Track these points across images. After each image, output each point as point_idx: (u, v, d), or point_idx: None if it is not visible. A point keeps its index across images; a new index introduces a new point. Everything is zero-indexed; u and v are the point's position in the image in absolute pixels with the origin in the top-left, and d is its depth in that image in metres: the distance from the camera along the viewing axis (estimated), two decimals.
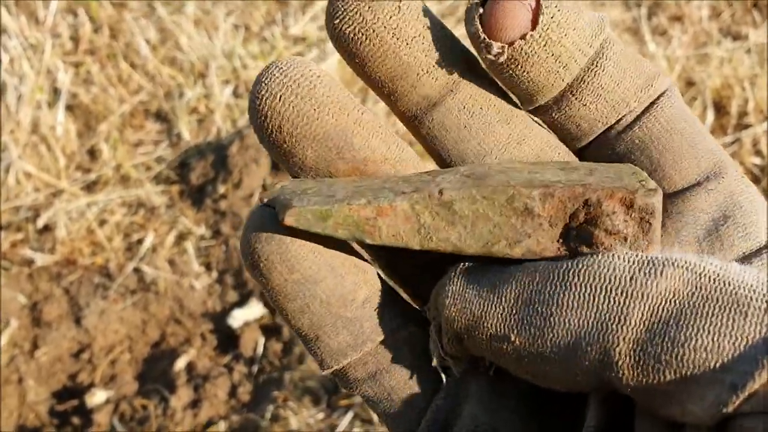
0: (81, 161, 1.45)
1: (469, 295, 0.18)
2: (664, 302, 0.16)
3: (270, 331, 1.23)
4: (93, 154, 1.47)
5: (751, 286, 0.16)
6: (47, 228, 1.35)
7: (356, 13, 0.19)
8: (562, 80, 0.20)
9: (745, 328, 0.15)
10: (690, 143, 0.20)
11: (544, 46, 0.19)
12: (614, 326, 0.16)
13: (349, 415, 1.07)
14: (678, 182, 0.21)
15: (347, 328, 0.19)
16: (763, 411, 0.15)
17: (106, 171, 1.43)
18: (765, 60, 1.55)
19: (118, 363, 1.23)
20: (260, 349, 1.20)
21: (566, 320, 0.16)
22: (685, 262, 0.16)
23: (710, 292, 0.16)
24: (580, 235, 0.18)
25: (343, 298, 0.19)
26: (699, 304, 0.16)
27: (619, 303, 0.16)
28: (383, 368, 0.20)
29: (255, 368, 1.18)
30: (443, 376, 0.20)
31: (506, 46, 0.19)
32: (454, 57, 0.20)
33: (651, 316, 0.16)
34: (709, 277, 0.16)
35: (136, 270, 1.28)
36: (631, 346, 0.16)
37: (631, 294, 0.16)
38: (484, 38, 0.19)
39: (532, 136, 0.20)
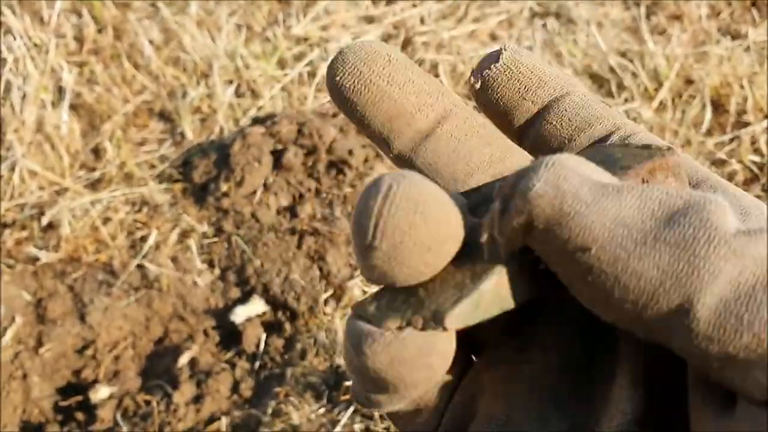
0: (85, 160, 1.47)
1: (566, 188, 0.17)
2: (760, 266, 0.16)
3: (272, 327, 1.24)
4: (97, 152, 1.48)
5: None
6: (51, 226, 1.36)
7: (354, 68, 0.23)
8: (532, 103, 0.25)
9: None
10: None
11: (505, 72, 0.24)
12: (706, 275, 0.15)
13: (350, 410, 1.08)
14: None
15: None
16: None
17: (109, 169, 1.44)
18: (764, 58, 1.55)
19: (121, 359, 1.24)
20: (262, 346, 1.21)
21: (660, 255, 0.16)
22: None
23: None
24: None
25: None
26: None
27: (718, 255, 0.16)
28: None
29: (257, 364, 1.19)
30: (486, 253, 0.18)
31: (478, 75, 0.25)
32: (440, 95, 0.24)
33: (744, 275, 0.15)
34: None
35: (140, 267, 1.29)
36: (716, 300, 0.15)
37: (733, 249, 0.16)
38: (469, 81, 0.25)
39: (511, 154, 0.24)
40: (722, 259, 0.16)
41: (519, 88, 0.24)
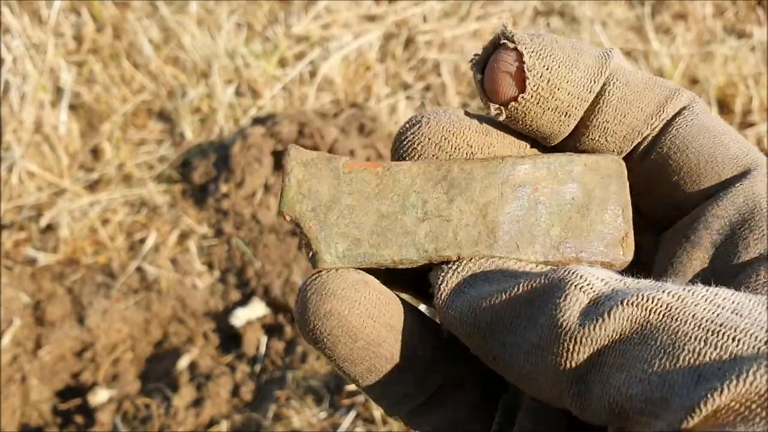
0: (84, 160, 1.46)
1: (457, 305, 0.20)
2: (609, 342, 0.17)
3: (272, 330, 1.23)
4: (96, 153, 1.47)
5: (700, 319, 0.16)
6: (50, 227, 1.35)
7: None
8: (567, 126, 0.21)
9: (675, 367, 0.15)
10: (708, 158, 0.21)
11: (538, 103, 0.20)
12: (563, 368, 0.17)
13: (352, 414, 1.06)
14: (698, 196, 0.21)
15: (413, 378, 0.21)
16: None
17: (108, 170, 1.43)
18: None
19: (120, 362, 1.23)
20: (263, 349, 1.19)
21: (530, 358, 0.18)
22: (638, 298, 0.17)
23: (652, 329, 0.16)
24: None
25: (405, 352, 0.20)
26: (637, 345, 0.16)
27: (569, 349, 0.17)
28: (446, 404, 0.22)
29: (257, 367, 1.18)
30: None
31: (501, 107, 0.21)
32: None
33: (596, 356, 0.17)
34: (658, 312, 0.16)
35: (139, 269, 1.28)
36: (577, 387, 0.17)
37: (579, 340, 0.17)
38: (485, 100, 0.21)
39: None
40: (573, 355, 0.17)
41: (554, 120, 0.21)
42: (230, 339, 1.24)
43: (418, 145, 0.21)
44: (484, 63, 0.21)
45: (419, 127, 0.21)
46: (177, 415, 1.13)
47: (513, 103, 0.21)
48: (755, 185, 0.20)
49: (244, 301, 1.25)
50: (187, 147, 1.46)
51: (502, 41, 0.20)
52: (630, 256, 0.20)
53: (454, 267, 0.20)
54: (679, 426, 0.15)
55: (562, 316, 0.17)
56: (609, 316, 0.17)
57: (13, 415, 1.19)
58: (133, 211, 1.37)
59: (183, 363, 1.19)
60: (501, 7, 1.72)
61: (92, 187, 1.42)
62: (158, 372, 1.22)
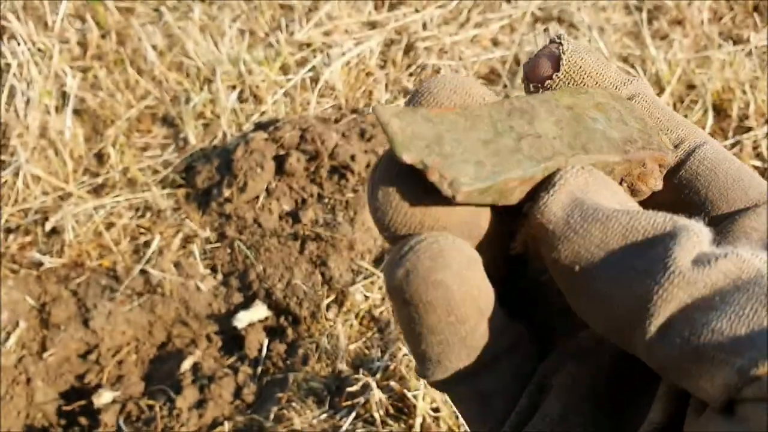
0: (88, 165, 1.47)
1: (558, 214, 0.19)
2: (705, 290, 0.18)
3: (274, 332, 1.24)
4: (100, 158, 1.49)
5: None
6: (55, 231, 1.36)
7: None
8: None
9: (765, 317, 0.17)
10: (735, 178, 0.22)
11: (569, 85, 0.23)
12: (659, 301, 0.18)
13: (352, 415, 1.08)
14: (726, 210, 0.22)
15: (470, 358, 0.21)
16: (764, 398, 0.16)
17: (113, 175, 1.44)
18: (766, 63, 1.55)
19: (124, 364, 1.25)
20: (264, 351, 1.21)
21: (629, 282, 0.18)
22: (736, 256, 0.18)
23: (745, 282, 0.17)
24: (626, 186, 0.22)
25: (481, 336, 0.20)
26: (731, 293, 0.17)
27: (672, 284, 0.18)
28: (487, 389, 0.21)
29: (259, 369, 1.19)
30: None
31: (539, 85, 0.23)
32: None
33: (690, 299, 0.18)
34: (750, 270, 0.18)
35: (143, 272, 1.30)
36: (663, 319, 0.18)
37: (686, 280, 0.18)
38: (526, 83, 0.23)
39: None
40: (676, 287, 0.18)
41: None
42: (233, 341, 1.25)
43: (439, 93, 0.22)
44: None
45: (439, 79, 0.22)
46: (180, 417, 1.14)
47: (548, 81, 0.23)
48: None
49: (246, 304, 1.26)
50: (190, 152, 1.48)
51: (553, 37, 0.23)
52: (672, 148, 0.23)
53: (564, 174, 0.20)
54: (756, 365, 0.16)
55: (681, 251, 0.18)
56: (715, 264, 0.18)
57: (18, 416, 1.21)
58: (137, 215, 1.38)
59: (186, 365, 1.21)
60: (500, 14, 1.74)
61: (97, 191, 1.44)
62: (162, 374, 1.23)
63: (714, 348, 0.17)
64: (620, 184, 0.22)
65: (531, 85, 0.23)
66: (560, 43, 0.23)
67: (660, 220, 0.19)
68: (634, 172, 0.22)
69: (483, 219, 0.20)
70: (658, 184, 0.22)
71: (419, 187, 0.20)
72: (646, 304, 0.18)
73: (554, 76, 0.23)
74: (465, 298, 0.19)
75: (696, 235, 0.18)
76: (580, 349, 0.22)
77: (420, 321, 0.20)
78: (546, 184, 0.20)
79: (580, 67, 0.23)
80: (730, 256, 0.18)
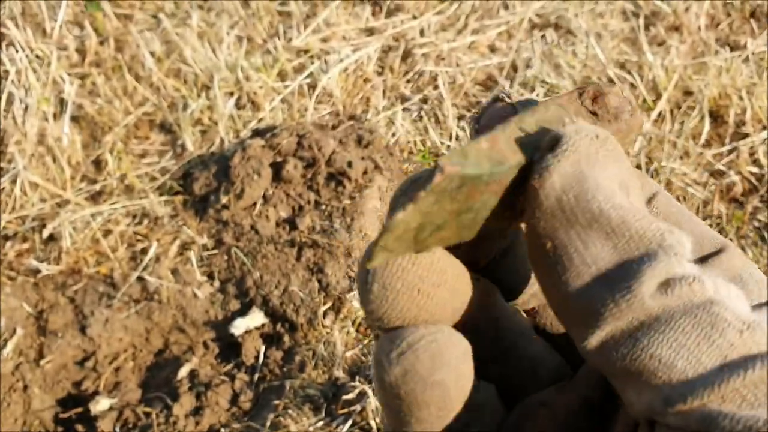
0: (86, 172, 1.48)
1: (558, 180, 0.19)
2: (658, 312, 0.17)
3: (271, 339, 1.24)
4: (98, 164, 1.49)
5: (739, 315, 0.17)
6: (52, 238, 1.36)
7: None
8: None
9: (704, 351, 0.17)
10: (690, 230, 0.22)
11: None
12: (609, 317, 0.18)
13: (349, 423, 1.08)
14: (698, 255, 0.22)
15: (446, 430, 0.20)
16: (682, 429, 0.16)
17: (110, 181, 1.45)
18: (763, 69, 1.55)
19: (122, 371, 1.25)
20: (261, 358, 1.21)
21: (591, 283, 0.18)
22: (692, 280, 0.18)
23: (694, 309, 0.17)
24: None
25: (459, 412, 0.20)
26: (678, 318, 0.17)
27: (624, 307, 0.18)
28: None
29: (256, 376, 1.19)
30: None
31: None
32: None
33: (638, 321, 0.17)
34: (702, 296, 0.17)
35: (140, 279, 1.30)
36: (606, 335, 0.18)
37: (638, 305, 0.18)
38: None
39: None
40: (629, 310, 0.18)
41: None
42: (229, 348, 1.25)
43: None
44: (480, 117, 0.24)
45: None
46: (177, 424, 1.14)
47: None
48: (734, 259, 0.22)
49: (243, 311, 1.26)
50: (188, 158, 1.48)
51: (500, 95, 0.23)
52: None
53: (575, 137, 0.19)
54: (683, 401, 0.16)
55: (651, 274, 0.18)
56: (679, 290, 0.18)
57: (15, 423, 1.21)
58: (134, 221, 1.38)
59: (183, 372, 1.21)
60: (497, 20, 1.74)
61: (94, 198, 1.44)
62: (159, 381, 1.23)
63: (648, 372, 0.17)
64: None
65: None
66: (511, 105, 0.23)
67: (649, 235, 0.18)
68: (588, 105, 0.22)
69: (467, 295, 0.21)
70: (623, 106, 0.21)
71: (415, 282, 0.19)
72: (597, 316, 0.18)
73: None
74: (459, 395, 0.20)
75: (676, 256, 0.18)
76: (550, 396, 0.22)
77: (410, 414, 0.20)
78: (552, 143, 0.19)
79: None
80: (694, 283, 0.18)
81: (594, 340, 0.18)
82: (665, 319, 0.17)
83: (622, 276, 0.18)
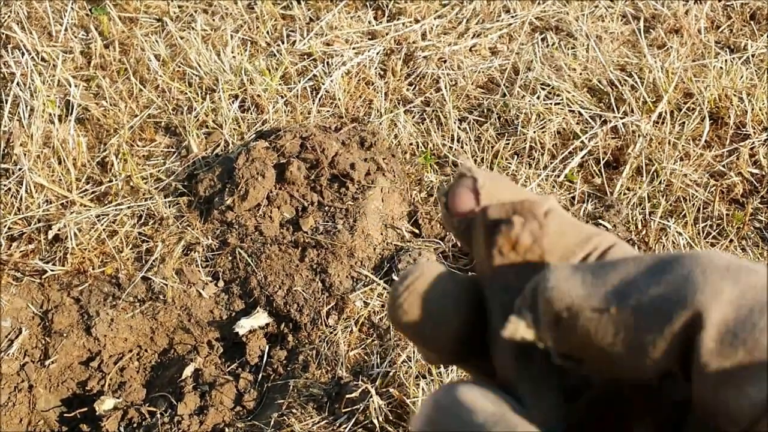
0: (91, 173, 1.49)
1: (571, 280, 0.20)
2: (754, 291, 0.18)
3: (275, 338, 1.25)
4: (103, 166, 1.50)
5: None
6: (58, 239, 1.37)
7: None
8: None
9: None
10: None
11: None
12: (709, 293, 0.18)
13: (352, 421, 1.08)
14: None
15: None
16: None
17: (116, 183, 1.46)
18: (763, 71, 1.56)
19: (126, 370, 1.26)
20: (265, 357, 1.22)
21: (666, 291, 0.18)
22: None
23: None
24: None
25: None
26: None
27: (715, 282, 0.18)
28: None
29: (260, 376, 1.20)
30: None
31: (462, 220, 0.24)
32: None
33: (741, 299, 0.18)
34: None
35: (145, 279, 1.31)
36: (720, 316, 0.18)
37: (727, 276, 0.18)
38: (448, 217, 0.25)
39: None
40: (721, 282, 0.18)
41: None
42: (234, 348, 1.26)
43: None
44: (447, 192, 0.25)
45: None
46: (181, 423, 1.15)
47: (470, 215, 0.24)
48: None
49: (247, 311, 1.27)
50: (192, 160, 1.49)
51: (463, 171, 0.24)
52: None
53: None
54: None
55: (708, 259, 0.18)
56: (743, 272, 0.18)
57: (21, 423, 1.21)
58: (139, 222, 1.39)
59: (188, 371, 1.22)
60: (498, 23, 1.76)
61: (100, 199, 1.45)
62: (163, 380, 1.24)
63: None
64: None
65: (455, 220, 0.24)
66: (474, 178, 0.24)
67: (663, 253, 0.20)
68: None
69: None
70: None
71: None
72: (695, 299, 0.18)
73: (475, 210, 0.24)
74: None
75: (712, 253, 0.19)
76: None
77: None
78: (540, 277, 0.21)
79: (498, 198, 0.24)
80: None
81: (711, 326, 0.18)
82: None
83: (677, 265, 0.19)
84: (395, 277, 1.23)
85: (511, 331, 0.21)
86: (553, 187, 1.42)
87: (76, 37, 1.75)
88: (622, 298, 0.19)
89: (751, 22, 1.73)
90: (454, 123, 1.51)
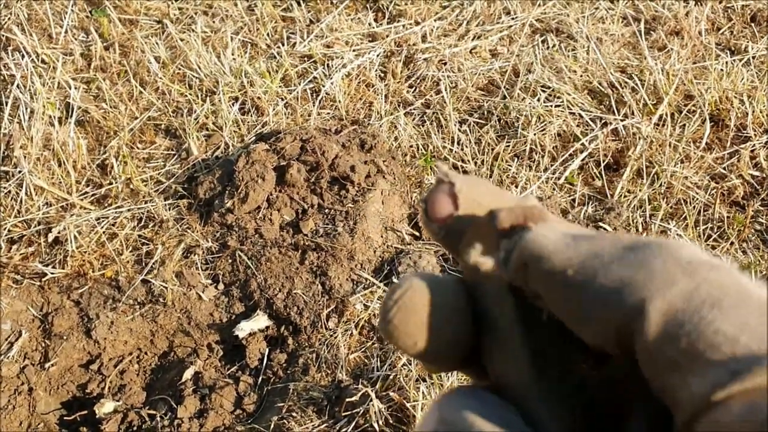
0: (91, 176, 1.49)
1: (550, 237, 0.21)
2: (710, 287, 0.18)
3: (275, 342, 1.25)
4: (103, 168, 1.50)
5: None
6: (58, 241, 1.37)
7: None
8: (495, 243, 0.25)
9: (765, 332, 0.17)
10: None
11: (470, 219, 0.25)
12: (661, 285, 0.18)
13: (352, 425, 1.08)
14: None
15: None
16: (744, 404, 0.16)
17: (116, 185, 1.46)
18: (763, 73, 1.56)
19: (126, 374, 1.26)
20: (265, 360, 1.21)
21: (623, 272, 0.19)
22: (736, 269, 0.19)
23: (750, 295, 0.18)
24: None
25: None
26: (736, 299, 0.18)
27: (672, 272, 0.18)
28: None
29: (260, 379, 1.20)
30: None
31: (441, 225, 0.24)
32: None
33: (694, 291, 0.18)
34: (753, 285, 0.19)
35: (145, 282, 1.31)
36: (667, 307, 0.18)
37: (687, 269, 0.18)
38: (427, 222, 0.25)
39: None
40: (678, 273, 0.18)
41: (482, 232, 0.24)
42: (234, 351, 1.26)
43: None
44: (426, 199, 0.26)
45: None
46: (181, 426, 1.15)
47: (449, 220, 0.24)
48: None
49: (247, 314, 1.27)
50: (192, 162, 1.49)
51: (440, 177, 0.25)
52: None
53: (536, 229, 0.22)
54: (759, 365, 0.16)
55: (674, 249, 0.19)
56: (701, 262, 0.19)
57: (20, 426, 1.21)
58: (139, 225, 1.39)
59: (188, 374, 1.22)
60: (499, 25, 1.75)
61: (100, 201, 1.45)
62: (163, 383, 1.24)
63: (713, 348, 0.17)
64: None
65: (435, 226, 0.24)
66: (451, 183, 0.24)
67: (642, 236, 0.20)
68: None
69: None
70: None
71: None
72: (644, 287, 0.18)
73: (455, 215, 0.24)
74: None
75: (685, 243, 0.20)
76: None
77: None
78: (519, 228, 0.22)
79: (477, 201, 0.24)
80: (734, 267, 0.19)
81: (654, 313, 0.18)
82: (724, 299, 0.18)
83: (645, 249, 0.19)
84: (395, 280, 1.23)
85: (475, 256, 0.23)
86: (554, 189, 1.42)
87: (76, 39, 1.75)
88: (582, 267, 0.20)
89: (752, 24, 1.73)
90: (455, 125, 1.51)
